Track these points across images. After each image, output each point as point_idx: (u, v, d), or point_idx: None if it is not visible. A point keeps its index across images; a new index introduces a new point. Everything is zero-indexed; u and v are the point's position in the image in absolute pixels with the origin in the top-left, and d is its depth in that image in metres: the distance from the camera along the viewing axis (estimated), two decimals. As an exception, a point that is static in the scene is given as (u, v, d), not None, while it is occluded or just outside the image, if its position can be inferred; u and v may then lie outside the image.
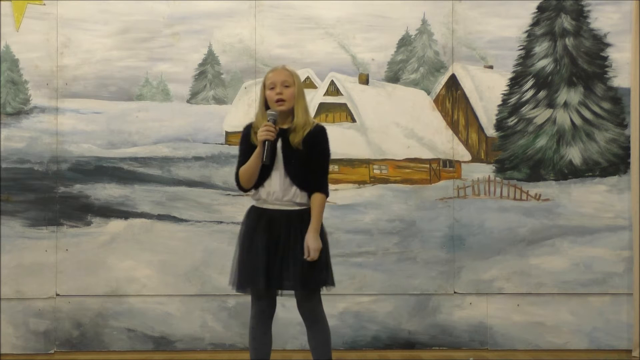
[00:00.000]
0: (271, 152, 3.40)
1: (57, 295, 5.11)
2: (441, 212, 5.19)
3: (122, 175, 5.17)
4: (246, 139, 3.53)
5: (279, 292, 3.53)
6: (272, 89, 3.47)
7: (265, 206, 3.49)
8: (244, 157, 3.49)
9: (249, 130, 3.54)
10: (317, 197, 3.49)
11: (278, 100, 3.46)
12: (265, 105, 3.53)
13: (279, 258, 3.41)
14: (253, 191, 3.54)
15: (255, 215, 3.51)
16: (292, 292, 3.52)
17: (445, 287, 5.17)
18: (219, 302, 5.12)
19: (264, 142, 3.39)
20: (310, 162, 3.48)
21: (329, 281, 3.53)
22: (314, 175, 3.49)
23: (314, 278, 3.45)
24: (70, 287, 5.11)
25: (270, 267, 3.40)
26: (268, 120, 3.42)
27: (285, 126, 3.50)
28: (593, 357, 5.02)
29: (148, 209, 5.16)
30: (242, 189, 3.53)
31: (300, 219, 3.47)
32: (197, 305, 5.13)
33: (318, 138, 3.51)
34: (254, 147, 3.45)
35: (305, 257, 3.41)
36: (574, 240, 5.19)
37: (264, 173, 3.46)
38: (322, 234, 3.50)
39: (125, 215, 5.15)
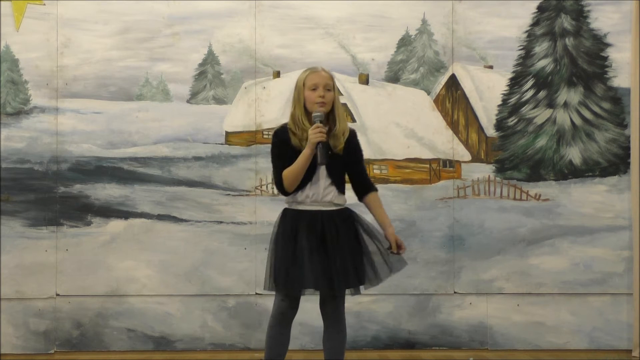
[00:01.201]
0: (326, 153, 3.39)
1: (57, 295, 5.11)
2: (441, 212, 5.19)
3: (122, 175, 5.17)
4: (285, 142, 3.47)
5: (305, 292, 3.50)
6: (314, 90, 3.44)
7: (303, 208, 3.47)
8: (284, 161, 3.45)
9: (286, 133, 3.48)
10: (375, 195, 3.58)
11: (320, 103, 3.43)
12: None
13: (325, 258, 3.38)
14: (291, 194, 3.51)
15: (294, 217, 3.47)
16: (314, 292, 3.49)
17: (445, 287, 5.17)
18: (219, 302, 5.12)
19: (317, 143, 3.36)
20: (351, 165, 3.53)
21: (378, 276, 3.54)
22: (362, 176, 3.58)
23: (366, 273, 3.47)
24: (70, 287, 5.11)
25: (318, 268, 3.37)
26: (315, 122, 3.39)
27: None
28: (593, 357, 5.02)
29: (148, 209, 5.16)
30: (286, 192, 3.48)
31: (342, 219, 3.48)
32: (197, 305, 5.13)
33: (355, 142, 3.56)
34: (296, 149, 3.42)
35: (396, 252, 3.48)
36: (574, 240, 5.19)
37: (306, 176, 3.44)
38: (376, 232, 3.53)
39: (125, 215, 5.15)
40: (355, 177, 3.56)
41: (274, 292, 3.50)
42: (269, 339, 3.52)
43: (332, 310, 3.50)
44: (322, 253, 3.39)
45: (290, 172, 3.42)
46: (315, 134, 3.35)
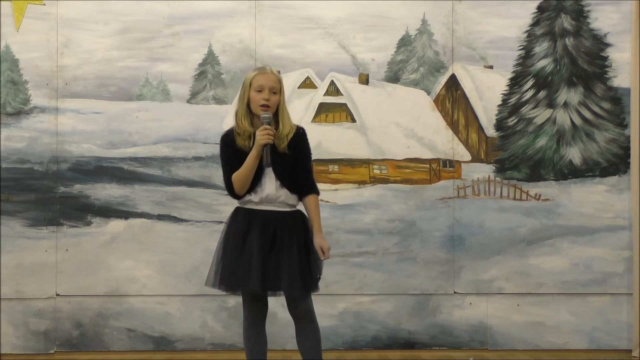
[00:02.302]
0: (271, 154, 3.39)
1: (57, 295, 5.11)
2: (441, 212, 5.19)
3: (122, 175, 5.17)
4: (230, 145, 3.47)
5: (275, 293, 3.50)
6: (259, 91, 3.44)
7: (256, 207, 3.47)
8: (231, 165, 3.45)
9: (231, 136, 3.48)
10: (312, 198, 3.52)
11: (264, 106, 3.42)
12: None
13: (273, 259, 3.39)
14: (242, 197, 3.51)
15: (246, 217, 3.47)
16: (282, 293, 3.49)
17: (445, 287, 5.17)
18: (219, 302, 5.12)
19: (264, 145, 3.37)
20: (296, 165, 3.49)
21: (318, 279, 3.51)
22: (303, 177, 3.52)
23: (313, 278, 3.45)
24: (70, 287, 5.11)
25: (266, 268, 3.38)
26: (263, 123, 3.39)
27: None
28: (593, 357, 5.02)
29: (148, 209, 5.16)
30: (236, 196, 3.49)
31: (293, 220, 3.47)
32: (197, 305, 5.13)
33: (301, 141, 3.52)
34: (241, 152, 3.42)
35: (322, 258, 3.43)
36: (574, 240, 5.19)
37: (254, 178, 3.44)
38: (310, 233, 3.50)
39: (125, 215, 5.15)
40: (299, 175, 3.51)
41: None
42: (247, 342, 3.55)
43: (304, 312, 3.49)
44: (271, 253, 3.39)
45: (239, 175, 3.42)
46: (262, 135, 3.35)
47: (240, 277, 3.41)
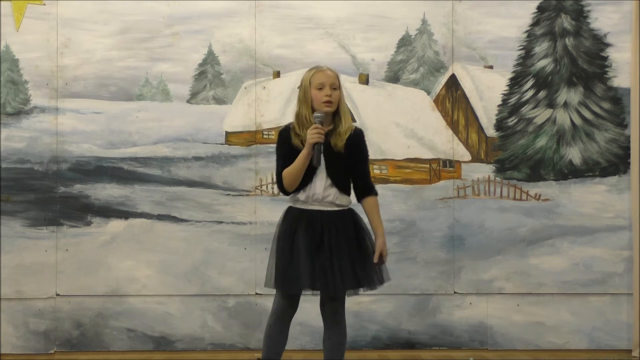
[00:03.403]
0: (321, 154, 3.37)
1: (57, 295, 5.11)
2: (441, 212, 5.19)
3: (122, 175, 5.17)
4: (287, 142, 3.46)
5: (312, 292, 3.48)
6: (320, 89, 3.42)
7: (304, 207, 3.46)
8: (285, 160, 3.44)
9: (288, 132, 3.48)
10: (372, 200, 3.52)
11: (326, 102, 3.42)
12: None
13: (321, 258, 3.37)
14: (292, 194, 3.50)
15: (294, 216, 3.46)
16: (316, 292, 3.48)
17: (445, 287, 5.17)
18: (219, 302, 5.12)
19: (314, 144, 3.35)
20: (354, 165, 3.49)
21: (378, 279, 3.50)
22: (363, 179, 3.52)
23: (366, 276, 3.44)
24: (70, 287, 5.11)
25: (314, 268, 3.36)
26: (315, 122, 3.38)
27: (326, 128, 3.45)
28: (593, 357, 5.02)
29: (148, 209, 5.16)
30: (286, 192, 3.48)
31: (341, 219, 3.46)
32: (197, 305, 5.13)
33: (360, 141, 3.52)
34: (296, 149, 3.41)
35: (375, 262, 3.43)
36: (574, 240, 5.19)
37: (306, 176, 3.43)
38: (363, 231, 3.50)
39: (125, 215, 5.15)
40: (356, 177, 3.52)
41: (274, 291, 3.51)
42: (267, 338, 3.52)
43: (332, 312, 3.49)
44: (319, 254, 3.38)
45: (289, 172, 3.42)
46: (312, 134, 3.34)
47: (291, 277, 3.38)
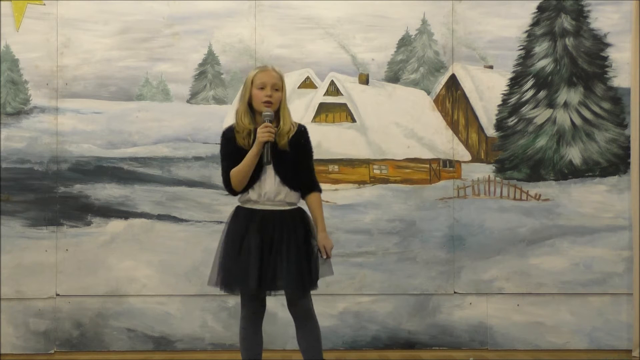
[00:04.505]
0: (271, 152, 3.40)
1: (57, 295, 5.11)
2: (441, 212, 5.19)
3: (122, 175, 5.17)
4: (231, 142, 3.49)
5: (271, 292, 3.50)
6: (261, 89, 3.46)
7: (256, 207, 3.48)
8: (230, 161, 3.46)
9: (232, 132, 3.50)
10: (315, 196, 3.54)
11: (266, 102, 3.44)
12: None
13: (272, 258, 3.40)
14: (240, 194, 3.52)
15: (245, 216, 3.48)
16: (282, 292, 3.49)
17: (445, 287, 5.17)
18: (219, 302, 5.12)
19: (264, 143, 3.38)
20: (297, 162, 3.50)
21: (317, 278, 3.51)
22: (305, 175, 3.53)
23: (311, 277, 3.45)
24: (70, 287, 5.11)
25: (264, 268, 3.39)
26: (264, 121, 3.41)
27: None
28: (593, 357, 5.02)
29: (148, 209, 5.16)
30: (234, 192, 3.51)
31: (292, 218, 3.48)
32: (197, 305, 5.13)
33: (303, 139, 3.54)
34: (240, 149, 3.44)
35: (324, 257, 3.44)
36: (574, 240, 5.19)
37: (254, 175, 3.45)
38: (313, 231, 3.51)
39: (125, 215, 5.15)
40: (300, 173, 3.52)
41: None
42: (243, 340, 3.54)
43: (303, 311, 3.49)
44: (270, 253, 3.40)
45: (237, 172, 3.44)
46: (263, 133, 3.36)
47: (238, 277, 3.42)
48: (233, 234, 3.48)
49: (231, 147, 3.48)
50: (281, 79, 3.51)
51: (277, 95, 3.47)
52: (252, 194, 3.48)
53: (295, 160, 3.49)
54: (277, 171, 3.46)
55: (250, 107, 3.50)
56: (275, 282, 3.40)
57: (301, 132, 3.54)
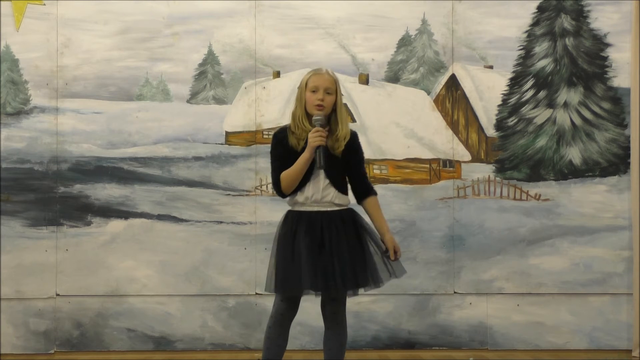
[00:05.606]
0: (325, 156, 3.38)
1: (57, 295, 5.11)
2: (441, 212, 5.19)
3: (122, 175, 5.18)
4: (283, 143, 3.47)
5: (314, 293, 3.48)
6: (314, 92, 3.43)
7: (303, 209, 3.46)
8: (281, 162, 3.44)
9: (285, 133, 3.48)
10: (374, 200, 3.54)
11: (318, 106, 3.42)
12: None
13: (322, 258, 3.37)
14: (289, 197, 3.50)
15: (294, 219, 3.46)
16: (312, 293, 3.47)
17: (445, 287, 5.17)
18: (219, 302, 5.12)
19: (316, 147, 3.35)
20: (350, 167, 3.50)
21: (378, 279, 3.51)
22: (361, 180, 3.54)
23: (366, 274, 3.44)
24: (70, 287, 5.11)
25: (315, 269, 3.35)
26: (315, 125, 3.39)
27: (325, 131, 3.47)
28: (593, 357, 5.02)
29: (148, 209, 5.16)
30: (283, 194, 3.49)
31: (340, 219, 3.46)
32: (197, 305, 5.13)
33: (356, 144, 3.53)
34: (293, 151, 3.43)
35: (392, 259, 3.47)
36: (574, 240, 5.19)
37: (302, 178, 3.43)
38: (376, 234, 3.52)
39: (125, 215, 5.15)
40: (354, 179, 3.54)
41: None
42: (267, 340, 3.52)
43: (332, 313, 3.49)
44: (320, 255, 3.37)
45: (288, 175, 3.42)
46: (314, 137, 3.35)
47: (291, 279, 3.37)
48: (283, 237, 3.46)
49: (282, 148, 3.46)
50: (335, 82, 3.47)
51: (330, 98, 3.44)
52: (299, 197, 3.46)
53: (345, 163, 3.47)
54: (327, 174, 3.44)
55: (306, 111, 3.47)
56: (327, 282, 3.36)
57: (352, 138, 3.52)
